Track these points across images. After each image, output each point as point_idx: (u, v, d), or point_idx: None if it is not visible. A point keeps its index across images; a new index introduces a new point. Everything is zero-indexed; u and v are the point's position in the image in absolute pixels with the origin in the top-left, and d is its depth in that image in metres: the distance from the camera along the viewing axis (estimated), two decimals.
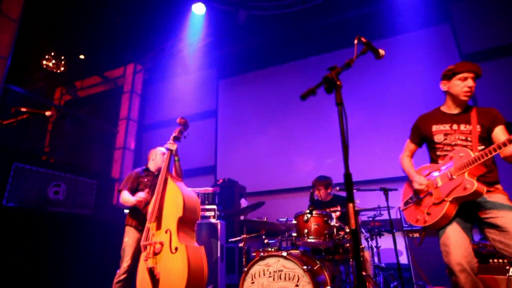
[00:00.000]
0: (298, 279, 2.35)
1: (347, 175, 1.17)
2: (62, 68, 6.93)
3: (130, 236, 3.09)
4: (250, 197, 6.23)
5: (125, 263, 2.97)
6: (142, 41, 7.07)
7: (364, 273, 2.65)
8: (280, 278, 2.40)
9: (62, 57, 6.91)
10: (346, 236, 2.73)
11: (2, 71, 4.63)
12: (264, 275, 2.47)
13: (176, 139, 3.24)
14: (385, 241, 4.35)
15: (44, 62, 6.70)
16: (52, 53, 6.77)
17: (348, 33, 6.38)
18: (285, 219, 4.19)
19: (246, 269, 2.56)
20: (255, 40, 7.40)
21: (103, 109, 7.65)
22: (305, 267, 2.33)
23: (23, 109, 2.38)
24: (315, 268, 2.54)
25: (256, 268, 2.52)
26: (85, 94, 7.93)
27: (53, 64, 6.83)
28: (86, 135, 6.63)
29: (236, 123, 7.29)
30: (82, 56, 7.64)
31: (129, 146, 6.62)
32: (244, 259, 3.23)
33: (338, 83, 1.27)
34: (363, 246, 2.78)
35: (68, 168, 5.44)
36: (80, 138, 6.44)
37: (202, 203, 4.32)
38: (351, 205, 1.14)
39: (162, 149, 3.38)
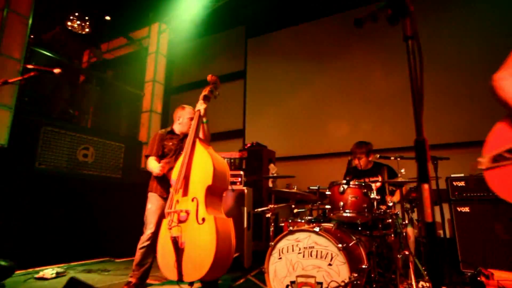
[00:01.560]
0: (332, 258, 2.08)
1: (420, 142, 0.79)
2: (87, 30, 6.73)
3: (153, 203, 2.96)
4: (280, 162, 5.97)
5: (149, 230, 2.87)
6: None
7: (406, 252, 2.33)
8: (311, 255, 2.14)
9: (87, 18, 6.69)
10: (388, 210, 2.39)
11: (24, 31, 4.48)
12: (293, 251, 2.23)
13: (206, 98, 2.94)
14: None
15: (69, 23, 6.53)
16: (76, 14, 6.56)
17: None
18: (316, 187, 3.90)
19: (273, 243, 2.33)
20: None
21: (129, 71, 7.49)
22: (340, 245, 2.05)
23: (30, 66, 2.18)
24: (350, 244, 2.25)
25: (284, 243, 2.28)
26: (112, 56, 7.78)
27: (77, 25, 6.64)
28: (113, 98, 6.55)
29: (265, 84, 6.87)
30: (108, 18, 7.39)
31: (156, 109, 6.48)
32: (271, 229, 3.02)
33: (412, 8, 0.84)
34: (406, 222, 2.44)
35: (96, 132, 5.43)
36: (107, 101, 6.38)
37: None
38: (426, 186, 0.77)
39: (188, 112, 3.11)
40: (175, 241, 2.49)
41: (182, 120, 3.10)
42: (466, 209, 3.52)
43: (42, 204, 4.34)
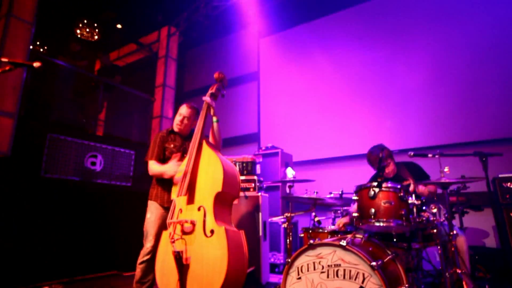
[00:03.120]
0: (364, 279, 1.67)
1: None
2: (96, 37, 6.63)
3: (152, 212, 2.64)
4: (298, 166, 5.56)
5: (148, 243, 2.54)
6: (174, 0, 6.48)
7: (459, 271, 1.88)
8: (337, 275, 1.74)
9: (95, 25, 6.59)
10: (433, 218, 1.96)
11: (28, 37, 4.34)
12: (314, 269, 1.83)
13: (213, 96, 2.67)
14: (470, 220, 3.45)
15: (78, 30, 6.44)
16: (85, 21, 6.47)
17: None
18: (339, 192, 3.49)
19: (289, 260, 1.94)
20: None
21: (141, 78, 7.34)
22: (374, 263, 1.64)
23: (5, 60, 1.91)
24: (385, 260, 1.83)
25: (304, 260, 1.88)
26: (123, 63, 7.67)
27: (87, 32, 6.55)
28: (123, 104, 6.37)
29: (280, 85, 6.52)
30: (119, 26, 7.31)
31: (167, 114, 6.24)
32: (288, 242, 2.63)
33: None
34: (454, 231, 1.99)
35: (104, 138, 5.21)
36: (117, 107, 6.20)
37: (241, 173, 3.76)
38: None
39: (183, 108, 2.81)
40: (178, 257, 2.15)
41: (175, 116, 2.81)
42: None
43: (47, 215, 4.12)
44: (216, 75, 2.78)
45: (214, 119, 2.67)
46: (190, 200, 2.38)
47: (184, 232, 2.28)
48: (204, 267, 2.11)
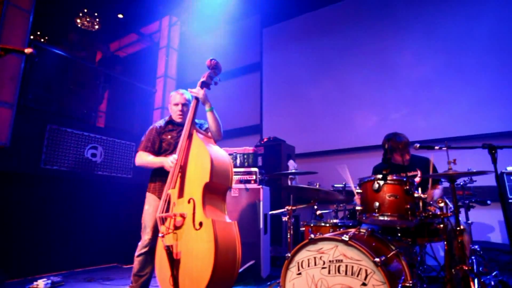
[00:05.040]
0: (367, 275, 1.60)
1: None
2: (97, 26, 6.54)
3: (150, 204, 2.58)
4: (300, 159, 5.50)
5: (146, 235, 2.49)
6: None
7: (465, 268, 1.80)
8: (339, 271, 1.67)
9: (96, 14, 6.50)
10: (440, 213, 1.87)
11: (25, 25, 4.25)
12: (315, 265, 1.76)
13: (205, 84, 2.57)
14: (475, 215, 3.36)
15: (78, 20, 6.35)
16: (85, 10, 6.37)
17: None
18: (342, 185, 3.43)
19: (289, 255, 1.87)
20: None
21: (142, 68, 7.25)
22: (377, 259, 1.57)
23: None
24: (389, 256, 1.76)
25: (304, 255, 1.81)
26: (124, 54, 7.58)
27: (87, 22, 6.45)
28: (125, 95, 6.30)
29: (283, 76, 6.40)
30: (120, 15, 7.20)
31: (168, 106, 6.18)
32: (289, 235, 2.56)
33: None
34: (462, 226, 1.91)
35: (104, 130, 5.16)
36: (118, 98, 6.14)
37: (242, 165, 3.68)
38: None
39: (172, 97, 2.71)
40: (169, 251, 2.09)
41: (170, 107, 2.72)
42: None
43: (47, 206, 4.10)
44: (208, 63, 2.64)
45: (207, 107, 2.56)
46: (181, 193, 2.31)
47: (175, 226, 2.22)
48: (193, 261, 2.06)
